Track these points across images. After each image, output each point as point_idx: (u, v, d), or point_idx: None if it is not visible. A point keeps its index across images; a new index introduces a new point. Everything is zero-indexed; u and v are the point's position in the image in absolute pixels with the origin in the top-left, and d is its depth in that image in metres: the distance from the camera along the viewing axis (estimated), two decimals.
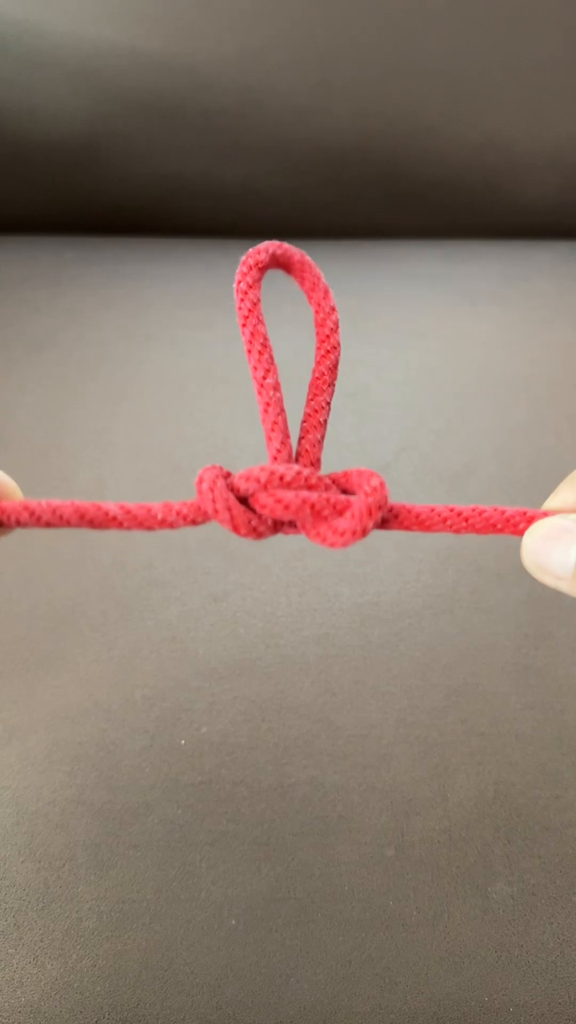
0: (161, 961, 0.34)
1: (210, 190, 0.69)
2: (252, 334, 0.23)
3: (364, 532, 0.21)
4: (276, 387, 0.23)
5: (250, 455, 0.52)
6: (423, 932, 0.34)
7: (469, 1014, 0.33)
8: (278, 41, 0.61)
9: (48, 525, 0.22)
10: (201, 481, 0.22)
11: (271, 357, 0.23)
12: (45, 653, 0.43)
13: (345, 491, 0.22)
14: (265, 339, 0.23)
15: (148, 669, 0.42)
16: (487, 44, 0.62)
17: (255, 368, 0.23)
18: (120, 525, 0.22)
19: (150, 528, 0.22)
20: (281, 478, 0.21)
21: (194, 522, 0.22)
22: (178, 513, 0.22)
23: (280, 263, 0.23)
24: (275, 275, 0.25)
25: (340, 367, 0.24)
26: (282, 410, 0.23)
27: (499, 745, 0.39)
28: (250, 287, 0.23)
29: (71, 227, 0.71)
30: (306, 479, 0.21)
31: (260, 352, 0.23)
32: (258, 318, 0.23)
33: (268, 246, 0.23)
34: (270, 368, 0.23)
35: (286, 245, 0.23)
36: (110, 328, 0.62)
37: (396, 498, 0.51)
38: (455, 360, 0.60)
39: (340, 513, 0.21)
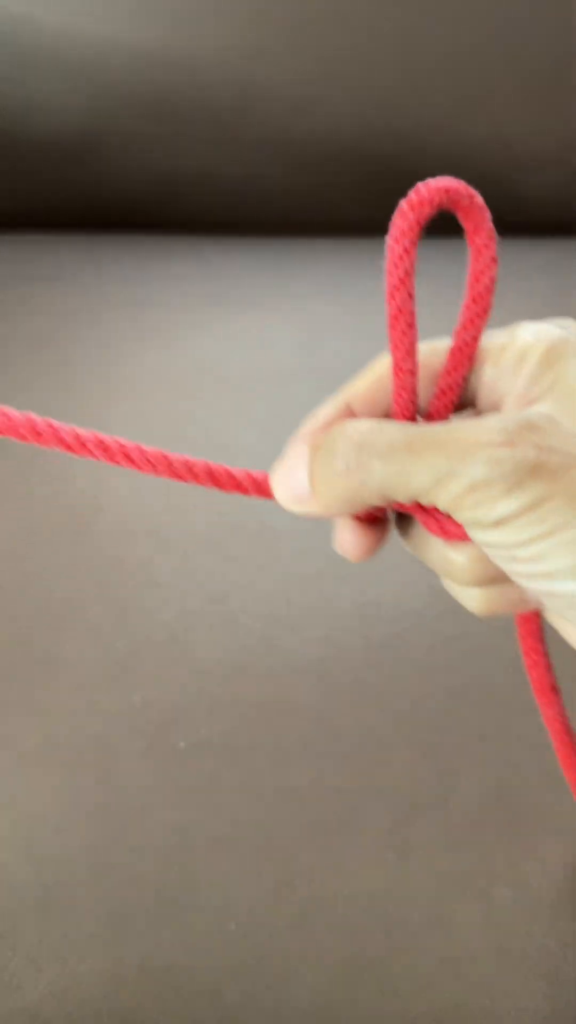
0: (160, 965, 0.33)
1: (209, 187, 0.69)
2: (398, 310, 0.19)
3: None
4: (414, 371, 0.20)
5: (249, 455, 0.52)
6: (424, 936, 0.34)
7: (471, 1019, 0.33)
8: (278, 37, 0.61)
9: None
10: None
11: (413, 343, 0.19)
12: (42, 655, 0.42)
13: None
14: (410, 321, 0.19)
15: (146, 671, 0.42)
16: (488, 40, 0.61)
17: (395, 352, 0.20)
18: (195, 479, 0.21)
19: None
20: None
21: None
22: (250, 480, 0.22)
23: (445, 205, 0.19)
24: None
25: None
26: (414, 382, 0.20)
27: (501, 747, 0.39)
28: (406, 251, 0.18)
29: (69, 224, 0.70)
30: None
31: (402, 336, 0.19)
32: (408, 292, 0.19)
33: (437, 191, 0.18)
34: (408, 356, 0.19)
35: (455, 184, 0.18)
36: (108, 326, 0.61)
37: None
38: None
39: None
